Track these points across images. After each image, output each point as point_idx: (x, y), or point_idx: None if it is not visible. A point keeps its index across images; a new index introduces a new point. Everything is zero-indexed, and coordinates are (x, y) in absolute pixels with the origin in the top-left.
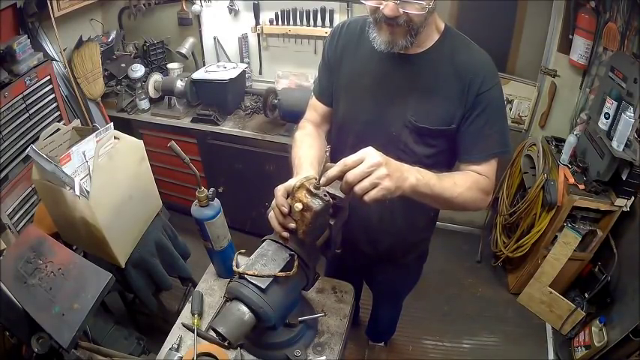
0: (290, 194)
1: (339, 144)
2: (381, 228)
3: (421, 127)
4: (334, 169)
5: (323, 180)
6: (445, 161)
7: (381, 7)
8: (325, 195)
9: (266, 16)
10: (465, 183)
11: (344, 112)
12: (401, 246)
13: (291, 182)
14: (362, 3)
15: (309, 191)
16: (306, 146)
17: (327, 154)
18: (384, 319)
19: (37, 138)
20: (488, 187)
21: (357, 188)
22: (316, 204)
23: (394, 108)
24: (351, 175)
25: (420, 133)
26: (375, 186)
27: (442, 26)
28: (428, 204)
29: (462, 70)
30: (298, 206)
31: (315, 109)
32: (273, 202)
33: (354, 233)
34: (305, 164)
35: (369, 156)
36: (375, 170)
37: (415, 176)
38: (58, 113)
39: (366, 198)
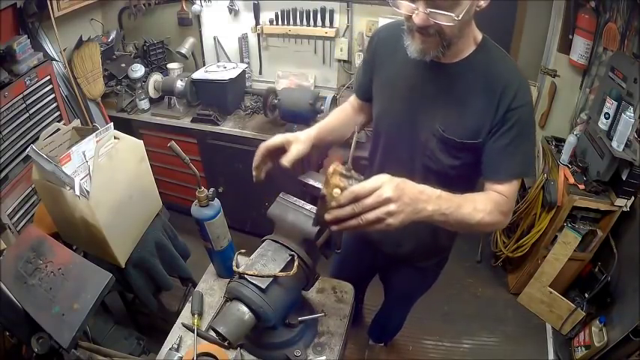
0: (324, 182)
1: (373, 144)
2: (406, 230)
3: (448, 138)
4: (345, 198)
5: (334, 204)
6: (470, 174)
7: (413, 15)
8: (358, 174)
9: (266, 16)
10: (486, 207)
11: (378, 112)
12: (424, 250)
13: (275, 139)
14: (363, 3)
15: (342, 175)
16: (330, 116)
17: (355, 136)
18: (392, 320)
19: (37, 138)
20: (508, 209)
21: (361, 219)
22: (353, 184)
23: (424, 115)
24: (358, 208)
25: (447, 144)
26: (379, 221)
27: (479, 37)
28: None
29: (495, 83)
30: (337, 192)
31: (353, 100)
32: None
33: (378, 234)
34: (311, 129)
35: (382, 188)
36: (383, 206)
37: (432, 207)
38: (58, 113)
39: (366, 227)
